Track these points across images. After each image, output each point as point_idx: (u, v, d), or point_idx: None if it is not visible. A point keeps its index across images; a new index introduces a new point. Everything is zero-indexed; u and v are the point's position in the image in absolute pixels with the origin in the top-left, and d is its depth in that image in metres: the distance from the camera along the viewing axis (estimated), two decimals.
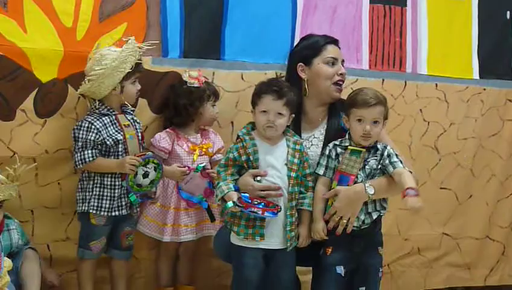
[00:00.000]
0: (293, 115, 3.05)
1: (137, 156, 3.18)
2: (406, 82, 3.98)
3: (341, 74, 3.21)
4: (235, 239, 3.00)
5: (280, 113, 2.98)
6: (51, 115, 3.23)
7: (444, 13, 4.07)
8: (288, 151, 3.00)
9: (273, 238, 2.96)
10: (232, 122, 3.62)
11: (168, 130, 3.42)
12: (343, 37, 3.62)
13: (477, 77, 4.14)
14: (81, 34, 3.24)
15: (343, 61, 3.27)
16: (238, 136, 3.08)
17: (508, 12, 4.21)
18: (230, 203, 2.88)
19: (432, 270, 4.19)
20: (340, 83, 3.22)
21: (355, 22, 3.87)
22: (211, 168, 3.42)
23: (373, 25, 3.91)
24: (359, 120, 2.95)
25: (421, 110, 4.02)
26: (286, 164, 2.99)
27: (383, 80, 3.88)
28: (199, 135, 3.46)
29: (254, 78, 3.51)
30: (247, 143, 3.00)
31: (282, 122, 2.99)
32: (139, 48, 3.21)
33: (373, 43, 3.90)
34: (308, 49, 3.28)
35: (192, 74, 3.42)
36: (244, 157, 2.99)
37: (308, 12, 3.75)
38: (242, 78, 3.62)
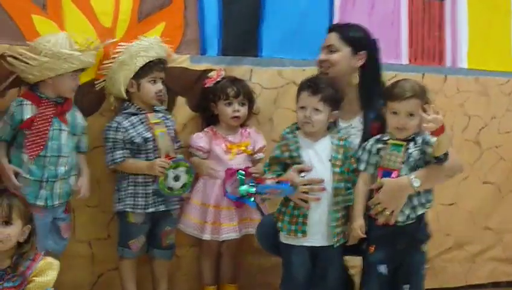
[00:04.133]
0: (335, 112, 3.03)
1: (168, 159, 3.19)
2: (446, 76, 3.94)
3: (319, 61, 3.18)
4: (282, 237, 3.01)
5: (317, 109, 2.97)
6: (90, 114, 3.24)
7: (483, 6, 4.02)
8: (332, 148, 2.99)
9: (317, 235, 2.96)
10: (271, 119, 3.60)
11: (206, 129, 3.42)
12: (381, 31, 3.57)
13: None
14: (120, 34, 3.25)
15: (331, 46, 3.14)
16: (282, 136, 3.08)
17: None
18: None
19: (474, 265, 4.14)
20: (322, 70, 3.16)
21: (393, 16, 3.84)
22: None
23: (412, 19, 3.87)
24: (394, 113, 2.91)
25: (461, 104, 3.97)
26: (330, 160, 2.98)
27: (423, 75, 3.84)
28: (238, 133, 3.45)
29: (292, 74, 3.53)
30: (289, 141, 3.01)
31: (319, 118, 2.98)
32: (159, 45, 3.20)
33: (412, 37, 3.87)
34: None
35: (210, 74, 3.43)
36: (287, 154, 2.99)
37: (345, 8, 3.73)
38: (280, 75, 3.60)
